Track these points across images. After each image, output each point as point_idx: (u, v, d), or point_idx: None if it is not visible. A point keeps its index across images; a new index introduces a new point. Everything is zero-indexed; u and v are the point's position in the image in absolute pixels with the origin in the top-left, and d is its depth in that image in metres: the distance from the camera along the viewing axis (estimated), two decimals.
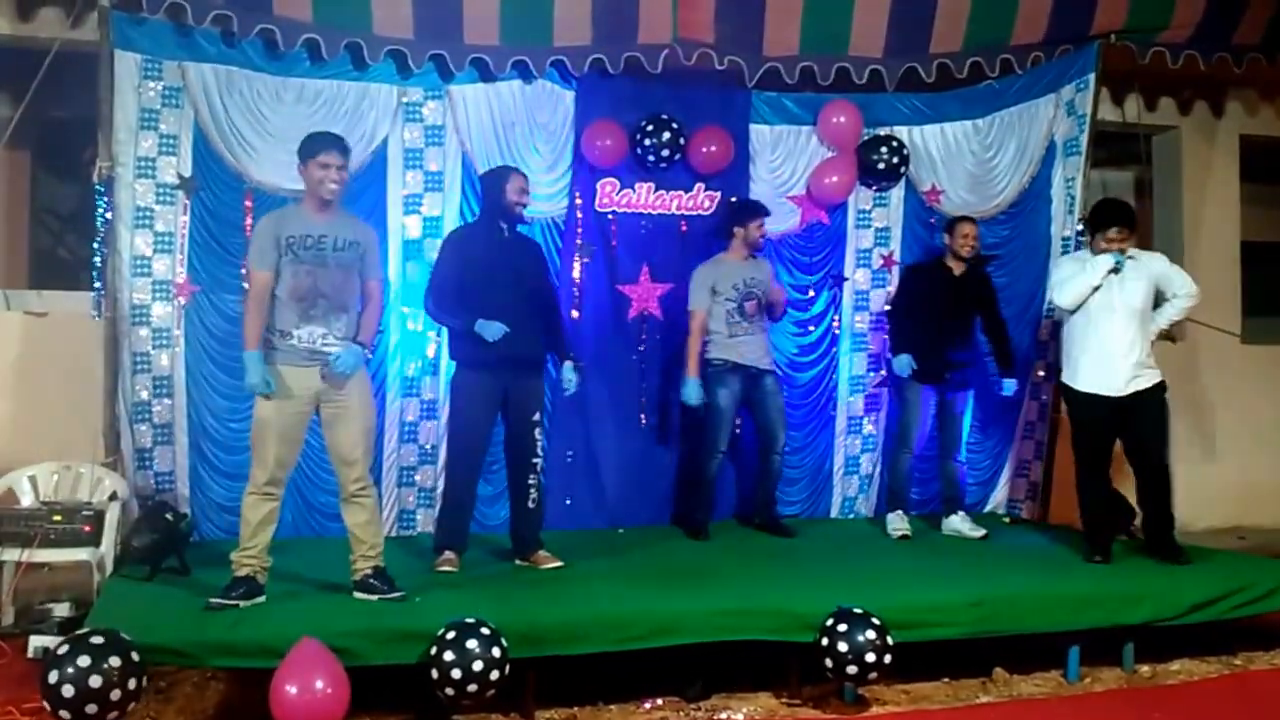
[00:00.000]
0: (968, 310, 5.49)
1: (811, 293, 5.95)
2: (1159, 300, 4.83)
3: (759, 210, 5.40)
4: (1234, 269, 7.12)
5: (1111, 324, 4.66)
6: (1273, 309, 7.45)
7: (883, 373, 5.95)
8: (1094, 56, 5.64)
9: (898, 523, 5.43)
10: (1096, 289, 4.67)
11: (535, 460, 4.53)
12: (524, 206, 4.53)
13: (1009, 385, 5.51)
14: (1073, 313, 4.76)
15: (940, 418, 5.48)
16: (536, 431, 4.52)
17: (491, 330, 4.30)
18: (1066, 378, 4.84)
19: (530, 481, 4.53)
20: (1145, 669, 4.17)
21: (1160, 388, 4.71)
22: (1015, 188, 5.98)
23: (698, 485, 5.40)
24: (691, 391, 5.23)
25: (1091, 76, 5.65)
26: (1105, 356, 4.66)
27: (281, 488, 3.84)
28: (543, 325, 4.55)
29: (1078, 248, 5.66)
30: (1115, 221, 4.70)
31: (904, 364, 5.37)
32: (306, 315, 3.77)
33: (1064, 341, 4.91)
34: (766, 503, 5.47)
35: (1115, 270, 4.64)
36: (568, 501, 5.49)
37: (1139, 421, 4.68)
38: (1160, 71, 5.97)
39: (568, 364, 4.58)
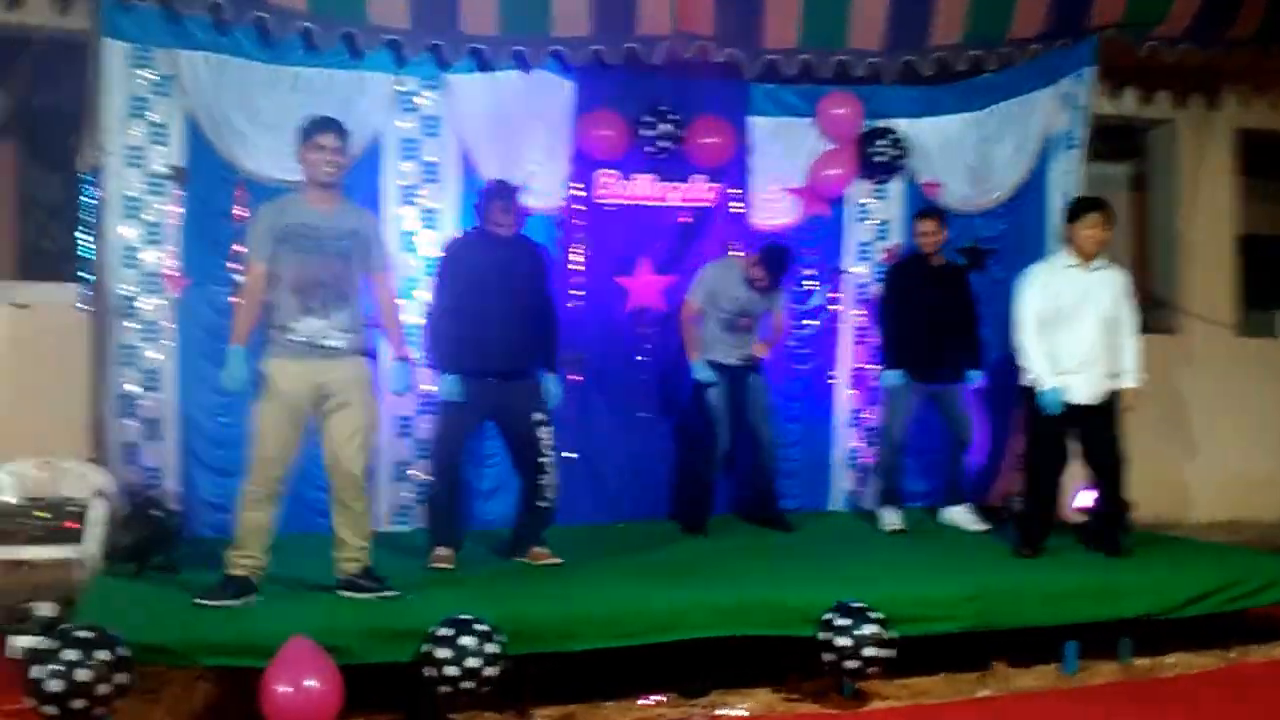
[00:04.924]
0: (952, 300, 5.43)
1: (811, 285, 5.90)
2: None
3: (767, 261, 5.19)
4: (1229, 262, 7.12)
5: (1084, 330, 4.59)
6: (1268, 302, 7.45)
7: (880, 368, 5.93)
8: (1092, 50, 5.61)
9: (890, 517, 5.41)
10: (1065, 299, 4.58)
11: (543, 459, 4.43)
12: (504, 227, 4.41)
13: (974, 375, 5.46)
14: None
15: (942, 413, 5.45)
16: (540, 430, 4.42)
17: (445, 388, 4.35)
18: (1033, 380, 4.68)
19: (542, 481, 4.44)
20: (1142, 662, 4.17)
21: (1117, 395, 4.63)
22: (1013, 181, 5.95)
23: (695, 482, 5.37)
24: (700, 372, 5.24)
25: (1089, 70, 5.63)
26: (1078, 364, 4.59)
27: (280, 486, 3.75)
28: (535, 334, 4.48)
29: None
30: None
31: (890, 379, 5.38)
32: (306, 308, 3.71)
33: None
34: (766, 498, 5.45)
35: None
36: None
37: (1094, 426, 4.62)
38: (1157, 65, 5.95)
39: (551, 377, 4.51)
